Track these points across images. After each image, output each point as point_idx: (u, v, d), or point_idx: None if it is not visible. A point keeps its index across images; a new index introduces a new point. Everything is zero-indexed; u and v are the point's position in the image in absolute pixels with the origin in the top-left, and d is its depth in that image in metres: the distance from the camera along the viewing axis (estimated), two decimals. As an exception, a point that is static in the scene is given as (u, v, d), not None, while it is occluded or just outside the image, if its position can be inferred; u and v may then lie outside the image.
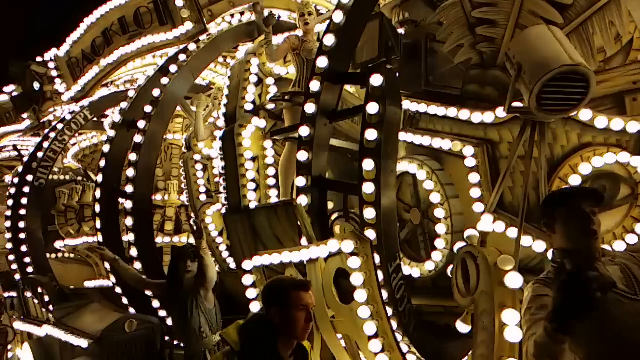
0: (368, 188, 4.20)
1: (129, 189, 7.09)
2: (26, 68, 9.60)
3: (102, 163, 7.60)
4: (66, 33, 8.69)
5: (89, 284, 9.46)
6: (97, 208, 7.45)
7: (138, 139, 7.20)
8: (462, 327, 3.39)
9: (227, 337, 2.99)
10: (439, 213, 4.54)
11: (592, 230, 2.61)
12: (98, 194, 7.50)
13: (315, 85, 4.75)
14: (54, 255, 10.18)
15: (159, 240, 8.49)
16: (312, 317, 3.04)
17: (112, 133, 7.69)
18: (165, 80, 7.38)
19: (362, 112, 4.39)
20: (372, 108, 4.26)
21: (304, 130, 4.71)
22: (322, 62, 4.78)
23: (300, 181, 4.68)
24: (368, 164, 4.23)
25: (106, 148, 7.68)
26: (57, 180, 10.83)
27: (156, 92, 7.33)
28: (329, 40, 4.81)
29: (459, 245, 3.53)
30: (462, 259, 3.33)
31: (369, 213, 4.18)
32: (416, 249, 4.96)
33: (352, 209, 5.29)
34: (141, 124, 7.24)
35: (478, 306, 3.17)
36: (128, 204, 7.05)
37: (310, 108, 4.72)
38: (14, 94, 10.46)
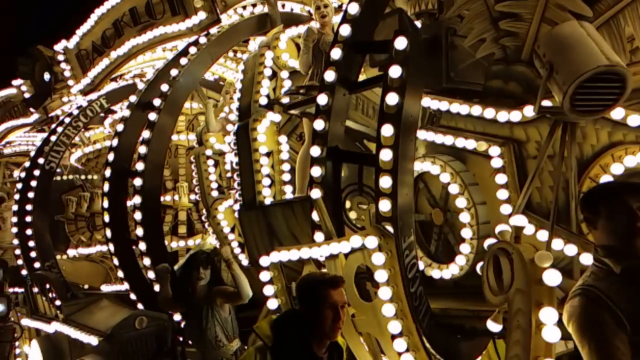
0: (385, 155, 4.03)
1: (140, 166, 7.02)
2: (35, 62, 9.52)
3: (114, 142, 7.53)
4: (76, 24, 8.61)
5: (105, 288, 9.35)
6: (106, 187, 7.39)
7: (152, 116, 7.12)
8: (493, 326, 3.28)
9: (259, 331, 2.93)
10: (464, 217, 4.42)
11: (639, 227, 2.51)
12: (108, 172, 7.42)
13: (336, 53, 4.59)
14: (64, 257, 10.11)
15: (173, 244, 8.45)
16: (342, 315, 2.95)
17: (126, 113, 7.62)
18: (184, 61, 7.30)
19: (382, 82, 4.23)
20: (395, 71, 4.11)
21: (322, 99, 4.54)
22: (345, 30, 4.63)
23: (315, 151, 4.50)
24: (387, 130, 4.05)
25: (119, 127, 7.60)
26: (61, 182, 10.76)
27: (174, 72, 7.25)
28: (353, 8, 4.66)
29: (489, 241, 3.43)
30: (494, 256, 3.22)
31: (385, 182, 4.00)
32: (428, 240, 4.86)
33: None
34: (156, 102, 7.16)
35: (512, 305, 3.07)
36: (137, 182, 6.97)
37: (329, 76, 4.56)
38: (25, 92, 10.38)
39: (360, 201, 4.22)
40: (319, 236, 4.35)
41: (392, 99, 4.08)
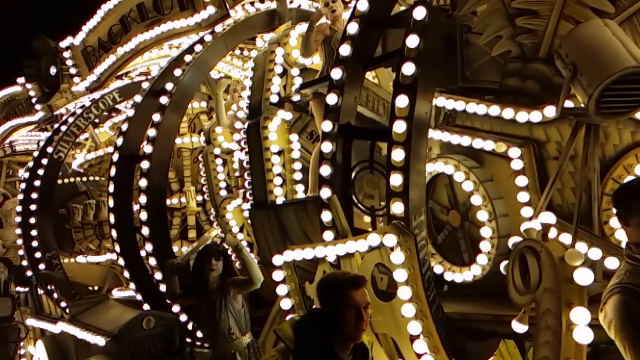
0: (399, 127, 3.93)
1: (148, 149, 6.94)
2: (40, 59, 9.43)
3: (124, 127, 7.46)
4: (78, 22, 8.54)
5: (117, 294, 9.25)
6: (113, 171, 7.31)
7: (164, 100, 7.04)
8: (518, 327, 3.21)
9: (281, 333, 2.84)
10: (482, 216, 4.33)
11: None
12: (116, 157, 7.34)
13: (352, 28, 4.49)
14: (72, 260, 10.04)
15: (184, 249, 8.36)
16: (365, 316, 2.87)
17: (138, 98, 7.54)
18: (198, 48, 7.23)
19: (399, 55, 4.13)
20: (413, 41, 4.01)
21: (336, 73, 4.45)
22: (363, 5, 4.54)
23: (327, 126, 4.41)
24: (402, 101, 3.95)
25: (130, 112, 7.52)
26: (63, 185, 10.70)
27: (188, 58, 7.18)
28: None
29: (514, 239, 3.36)
30: (521, 254, 3.15)
31: (398, 155, 3.91)
32: (438, 231, 4.78)
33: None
34: (169, 86, 7.08)
35: (540, 305, 2.99)
36: (145, 165, 6.90)
37: (345, 50, 4.46)
38: (30, 90, 10.32)
39: (370, 179, 4.10)
40: (326, 215, 4.26)
41: (408, 69, 3.98)
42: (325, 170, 4.36)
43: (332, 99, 4.44)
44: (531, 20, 4.37)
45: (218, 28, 7.14)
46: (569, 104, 3.82)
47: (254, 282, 4.99)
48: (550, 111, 4.04)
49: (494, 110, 4.38)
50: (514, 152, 4.20)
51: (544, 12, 4.30)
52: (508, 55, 4.55)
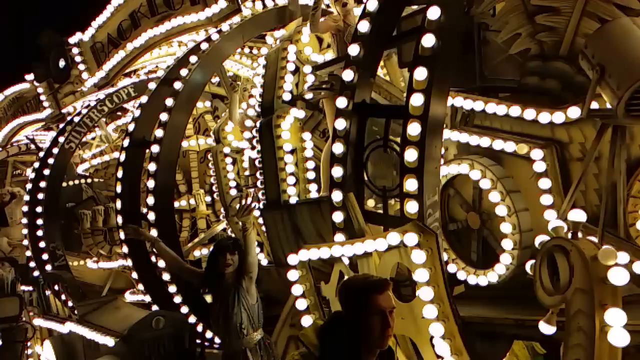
0: (416, 100, 3.81)
1: (159, 133, 6.89)
2: (47, 55, 9.38)
3: (137, 113, 7.43)
4: (85, 18, 8.50)
5: (129, 297, 9.20)
6: (122, 157, 7.27)
7: (178, 85, 6.97)
8: (546, 329, 3.13)
9: (305, 339, 2.75)
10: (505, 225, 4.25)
11: None
12: (126, 142, 7.31)
13: (372, 5, 4.35)
14: (80, 262, 10.00)
15: (196, 253, 8.28)
16: (391, 322, 2.77)
17: (152, 86, 7.50)
18: (215, 37, 7.15)
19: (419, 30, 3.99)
20: (434, 13, 3.88)
21: (354, 49, 4.33)
22: None
23: (341, 102, 4.29)
24: (420, 73, 3.83)
25: (144, 99, 7.49)
26: (67, 188, 10.66)
27: (204, 46, 7.12)
28: None
29: (541, 237, 3.28)
30: (549, 254, 3.07)
31: (414, 129, 3.78)
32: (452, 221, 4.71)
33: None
34: (184, 72, 7.02)
35: (571, 306, 2.91)
36: (155, 149, 6.84)
37: (363, 26, 4.33)
38: (38, 88, 10.27)
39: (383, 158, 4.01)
40: (337, 195, 4.17)
41: (428, 40, 3.85)
42: (338, 148, 4.25)
43: (348, 75, 4.33)
44: (552, 18, 4.30)
45: (236, 18, 7.06)
46: (594, 105, 3.73)
47: (248, 262, 4.78)
48: (575, 112, 3.94)
49: (515, 110, 4.28)
50: (537, 153, 4.10)
51: (565, 9, 4.22)
52: (527, 53, 4.49)
